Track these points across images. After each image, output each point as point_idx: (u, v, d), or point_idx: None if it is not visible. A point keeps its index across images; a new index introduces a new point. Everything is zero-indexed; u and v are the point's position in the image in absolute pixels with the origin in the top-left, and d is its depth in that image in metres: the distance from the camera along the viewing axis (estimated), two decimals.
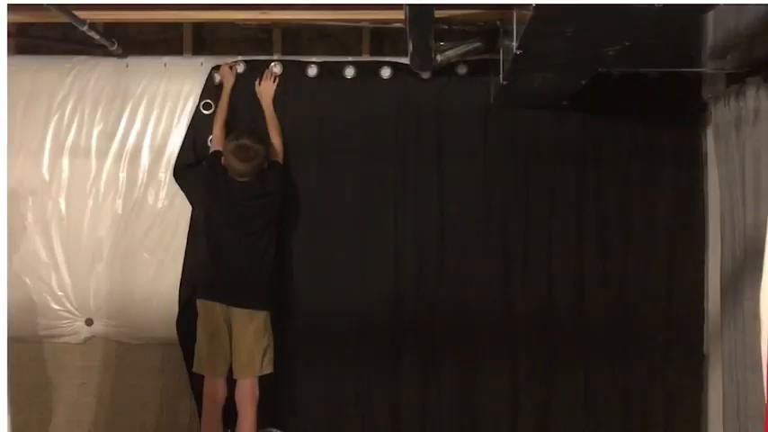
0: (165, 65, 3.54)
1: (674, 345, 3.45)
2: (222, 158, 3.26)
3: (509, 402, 3.44)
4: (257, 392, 3.22)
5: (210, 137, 3.42)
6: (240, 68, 3.46)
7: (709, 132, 3.41)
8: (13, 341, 3.17)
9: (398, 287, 3.46)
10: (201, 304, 3.25)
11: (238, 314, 3.20)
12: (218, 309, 3.20)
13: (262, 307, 3.23)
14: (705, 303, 3.45)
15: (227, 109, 3.39)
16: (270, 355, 3.24)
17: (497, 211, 3.47)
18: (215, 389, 3.21)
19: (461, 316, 3.44)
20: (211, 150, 3.37)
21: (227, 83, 3.42)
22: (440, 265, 3.46)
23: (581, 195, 3.47)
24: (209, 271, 3.24)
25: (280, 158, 3.37)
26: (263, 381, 3.28)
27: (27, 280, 3.48)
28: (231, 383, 3.27)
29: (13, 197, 3.42)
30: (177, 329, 3.40)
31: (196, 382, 3.35)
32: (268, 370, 3.24)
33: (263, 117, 3.42)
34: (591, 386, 3.45)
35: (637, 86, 3.41)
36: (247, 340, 3.19)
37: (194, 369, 3.25)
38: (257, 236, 3.24)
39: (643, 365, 3.44)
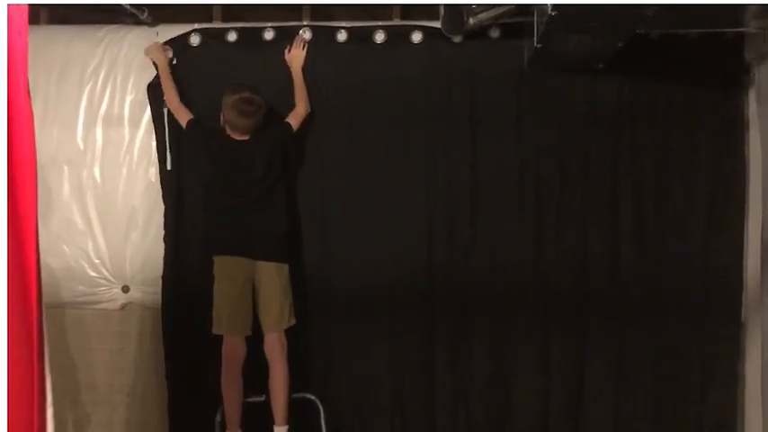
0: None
1: (711, 312, 3.39)
2: (221, 117, 3.22)
3: (542, 369, 3.43)
4: (285, 342, 3.21)
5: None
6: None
7: (752, 95, 3.32)
8: (53, 307, 3.30)
9: (430, 253, 3.44)
10: (223, 261, 3.19)
11: (266, 269, 3.19)
12: (243, 265, 3.18)
13: (287, 260, 3.24)
14: (744, 271, 3.38)
15: (173, 84, 3.35)
16: (293, 307, 3.25)
17: (530, 176, 3.42)
18: (236, 348, 3.19)
19: (494, 282, 3.43)
20: (185, 123, 3.29)
21: (159, 61, 3.38)
22: (472, 231, 3.44)
23: (617, 160, 3.41)
24: (227, 229, 3.21)
25: (294, 124, 3.32)
26: (296, 346, 3.31)
27: (65, 247, 3.54)
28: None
29: (50, 167, 3.49)
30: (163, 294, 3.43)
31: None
32: (293, 322, 3.25)
33: (289, 87, 3.38)
34: (625, 353, 3.41)
35: (675, 48, 3.32)
36: (278, 294, 3.19)
37: (215, 330, 3.19)
38: (267, 194, 3.22)
39: (679, 333, 3.40)
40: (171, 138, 3.42)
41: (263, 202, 3.22)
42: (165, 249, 3.46)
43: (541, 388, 3.43)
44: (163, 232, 3.48)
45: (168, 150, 3.42)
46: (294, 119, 3.33)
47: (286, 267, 3.23)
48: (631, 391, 3.42)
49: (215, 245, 3.24)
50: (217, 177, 3.25)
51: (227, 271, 3.19)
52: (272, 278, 3.19)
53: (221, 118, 3.24)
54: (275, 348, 3.20)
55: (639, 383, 3.41)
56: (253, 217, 3.20)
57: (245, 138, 3.22)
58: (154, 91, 3.45)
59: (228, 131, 3.24)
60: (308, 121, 3.41)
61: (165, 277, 3.46)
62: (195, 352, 3.39)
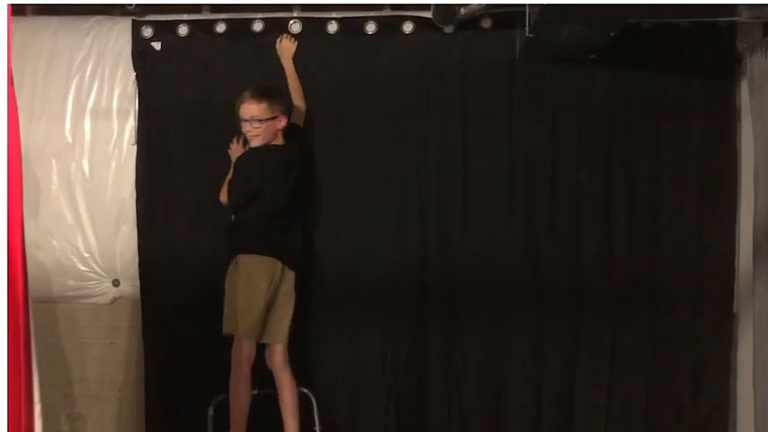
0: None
1: (703, 303, 3.39)
2: (236, 119, 3.16)
3: (535, 360, 3.42)
4: (287, 356, 3.16)
5: None
6: (258, 27, 3.42)
7: (744, 85, 3.32)
8: (43, 302, 3.28)
9: (423, 245, 3.43)
10: (260, 261, 3.08)
11: (289, 278, 3.13)
12: (272, 268, 3.09)
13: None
14: (736, 261, 3.39)
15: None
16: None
17: (523, 166, 3.41)
18: (251, 351, 3.10)
19: (486, 274, 3.42)
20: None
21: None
22: (464, 222, 3.42)
23: (609, 150, 3.40)
24: (266, 231, 3.12)
25: (301, 122, 3.32)
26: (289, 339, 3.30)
27: (54, 242, 3.50)
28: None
29: (38, 160, 3.45)
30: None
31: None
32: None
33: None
34: (618, 344, 3.41)
35: (667, 37, 3.31)
36: (289, 305, 3.14)
37: (225, 331, 3.10)
38: (292, 200, 3.19)
39: (671, 324, 3.40)
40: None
41: (291, 213, 3.18)
42: (139, 242, 3.43)
43: (534, 379, 3.42)
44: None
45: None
46: (299, 119, 3.32)
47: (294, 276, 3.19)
48: (624, 382, 3.42)
49: (244, 243, 3.11)
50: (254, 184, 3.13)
51: (262, 272, 3.07)
52: (290, 289, 3.14)
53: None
54: (280, 361, 3.13)
55: (632, 374, 3.41)
56: (284, 225, 3.16)
57: (280, 143, 3.17)
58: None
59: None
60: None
61: (141, 271, 3.44)
62: (176, 347, 3.38)
